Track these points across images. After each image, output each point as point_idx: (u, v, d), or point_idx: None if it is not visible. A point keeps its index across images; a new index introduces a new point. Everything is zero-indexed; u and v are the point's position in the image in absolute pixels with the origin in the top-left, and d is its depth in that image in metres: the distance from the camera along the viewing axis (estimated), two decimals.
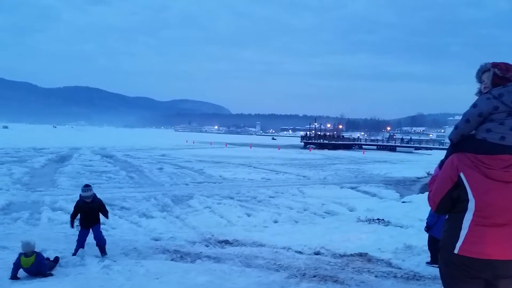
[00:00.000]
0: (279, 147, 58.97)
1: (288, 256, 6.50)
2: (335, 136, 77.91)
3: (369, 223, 9.29)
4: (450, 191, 2.34)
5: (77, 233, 6.26)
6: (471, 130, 2.38)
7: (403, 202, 12.84)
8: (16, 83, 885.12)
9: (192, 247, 7.01)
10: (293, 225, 9.24)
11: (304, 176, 20.23)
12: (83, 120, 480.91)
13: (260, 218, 9.83)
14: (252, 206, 11.34)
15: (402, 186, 18.73)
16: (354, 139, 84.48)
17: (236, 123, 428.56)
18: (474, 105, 2.41)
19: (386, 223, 9.22)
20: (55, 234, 7.72)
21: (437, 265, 2.67)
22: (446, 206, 2.39)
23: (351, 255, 6.63)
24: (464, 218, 2.29)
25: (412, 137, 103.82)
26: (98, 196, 6.56)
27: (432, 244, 5.90)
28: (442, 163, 2.52)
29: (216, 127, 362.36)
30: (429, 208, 2.59)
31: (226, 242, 7.43)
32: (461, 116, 2.50)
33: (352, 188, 16.19)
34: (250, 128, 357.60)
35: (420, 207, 10.24)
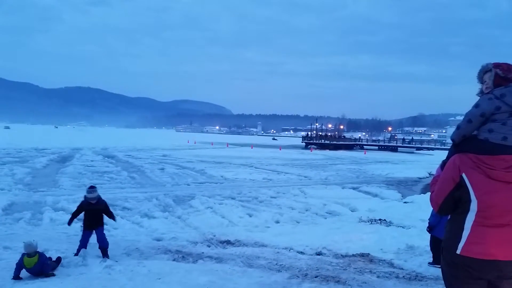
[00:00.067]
0: (280, 147, 58.96)
1: (290, 257, 6.49)
2: (337, 137, 77.86)
3: (371, 223, 9.28)
4: (452, 192, 2.33)
5: (80, 233, 6.27)
6: (473, 130, 2.38)
7: (405, 202, 12.83)
8: (17, 84, 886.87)
9: (194, 248, 7.01)
10: (294, 226, 9.24)
11: (305, 177, 20.23)
12: (85, 121, 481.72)
13: (262, 218, 9.83)
14: (253, 207, 11.35)
15: (404, 186, 18.72)
16: (355, 140, 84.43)
17: (238, 123, 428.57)
18: (476, 105, 2.41)
19: (388, 224, 9.21)
20: (57, 234, 7.74)
21: (439, 266, 2.67)
22: (449, 207, 2.39)
23: (353, 255, 6.63)
24: (466, 218, 2.29)
25: (414, 138, 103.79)
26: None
27: (434, 244, 5.89)
28: (444, 163, 2.52)
29: (217, 127, 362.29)
30: (431, 208, 2.59)
31: (228, 242, 7.43)
32: (463, 117, 2.50)
33: (353, 188, 16.18)
34: (251, 129, 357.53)
35: (421, 207, 10.23)
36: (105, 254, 6.16)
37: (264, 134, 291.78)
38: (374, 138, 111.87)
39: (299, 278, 5.41)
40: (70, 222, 6.44)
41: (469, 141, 2.37)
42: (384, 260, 6.38)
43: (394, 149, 71.89)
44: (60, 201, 10.77)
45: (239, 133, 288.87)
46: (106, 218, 6.48)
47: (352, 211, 11.16)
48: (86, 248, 6.10)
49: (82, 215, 6.39)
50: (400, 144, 77.78)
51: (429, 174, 23.96)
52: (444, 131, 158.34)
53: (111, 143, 49.73)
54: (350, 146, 71.42)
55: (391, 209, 11.23)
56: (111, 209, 6.75)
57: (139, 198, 11.95)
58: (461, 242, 2.29)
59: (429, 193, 2.60)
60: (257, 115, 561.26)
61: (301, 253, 6.78)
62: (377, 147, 77.01)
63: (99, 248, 6.18)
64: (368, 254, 6.65)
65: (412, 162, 36.56)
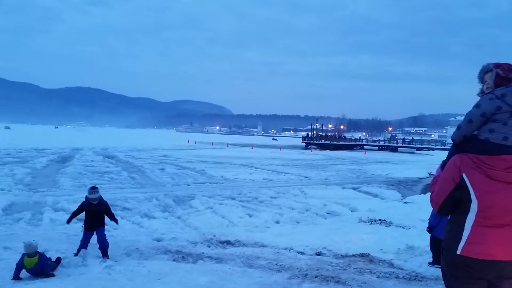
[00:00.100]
0: (280, 147, 58.96)
1: (290, 257, 6.49)
2: (337, 137, 77.89)
3: (371, 223, 9.28)
4: (452, 192, 2.33)
5: (80, 233, 6.26)
6: (474, 130, 2.38)
7: (405, 202, 12.83)
8: (18, 84, 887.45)
9: (194, 248, 7.01)
10: (294, 226, 9.24)
11: (305, 177, 20.23)
12: (85, 121, 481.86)
13: (262, 218, 9.82)
14: (253, 207, 11.34)
15: (404, 186, 18.72)
16: (355, 140, 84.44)
17: (238, 123, 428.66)
18: (477, 105, 2.40)
19: (388, 224, 9.21)
20: (57, 234, 7.74)
21: (439, 266, 2.67)
22: (449, 207, 2.39)
23: (353, 255, 6.62)
24: (467, 219, 2.29)
25: (414, 138, 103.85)
26: None
27: (434, 244, 5.89)
28: (444, 163, 2.52)
29: (217, 127, 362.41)
30: (431, 208, 2.58)
31: (228, 242, 7.43)
32: (463, 117, 2.49)
33: (354, 188, 16.18)
34: (251, 129, 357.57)
35: (422, 207, 10.22)
36: (105, 254, 6.15)
37: (265, 134, 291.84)
38: (374, 138, 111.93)
39: (299, 278, 5.41)
40: (69, 221, 6.45)
41: (469, 141, 2.37)
42: (384, 260, 6.38)
43: (394, 149, 71.90)
44: (60, 202, 10.77)
45: (239, 133, 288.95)
46: (107, 219, 6.47)
47: (352, 211, 11.16)
48: (86, 248, 6.10)
49: (82, 215, 6.39)
50: (401, 144, 77.80)
51: (429, 174, 23.95)
52: (444, 131, 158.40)
53: (111, 143, 49.76)
54: (350, 146, 71.45)
55: (391, 209, 11.23)
56: (111, 209, 6.74)
57: (139, 198, 11.95)
58: (461, 242, 2.29)
59: (429, 193, 2.59)
60: (257, 115, 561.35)
61: (301, 253, 6.78)
62: (377, 147, 77.01)
63: (99, 248, 6.17)
64: (368, 254, 6.65)
65: (413, 162, 36.56)
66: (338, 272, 5.72)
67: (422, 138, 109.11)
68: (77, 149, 35.00)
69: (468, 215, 2.28)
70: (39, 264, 5.13)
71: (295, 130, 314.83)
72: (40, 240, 5.74)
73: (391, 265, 6.19)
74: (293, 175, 21.00)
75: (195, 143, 65.28)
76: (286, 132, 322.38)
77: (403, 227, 8.83)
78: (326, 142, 69.05)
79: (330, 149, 61.41)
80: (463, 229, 2.30)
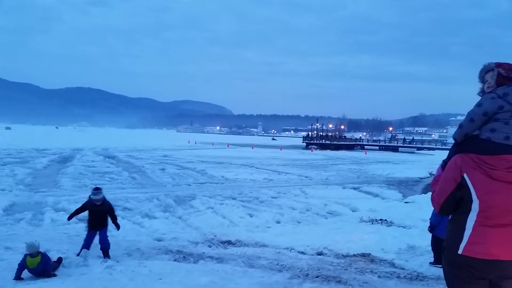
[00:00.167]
0: (281, 147, 58.95)
1: (291, 257, 6.49)
2: (337, 137, 77.87)
3: (372, 223, 9.28)
4: (453, 192, 2.33)
5: (81, 233, 6.26)
6: (475, 129, 2.38)
7: (405, 202, 12.82)
8: (18, 84, 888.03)
9: (194, 248, 7.01)
10: (295, 226, 9.24)
11: (306, 177, 20.23)
12: (85, 121, 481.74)
13: (263, 218, 9.83)
14: (254, 207, 11.35)
15: (405, 186, 18.71)
16: (356, 140, 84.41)
17: (238, 123, 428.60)
18: (479, 104, 2.40)
19: (389, 224, 9.21)
20: (58, 234, 7.74)
21: (440, 266, 2.67)
22: (450, 207, 2.39)
23: (354, 255, 6.62)
24: (468, 218, 2.29)
25: (414, 138, 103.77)
26: None
27: (436, 244, 5.89)
28: (444, 163, 2.52)
29: (218, 127, 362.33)
30: (432, 208, 2.59)
31: (229, 242, 7.43)
32: (463, 116, 2.49)
33: (354, 188, 16.18)
34: (252, 129, 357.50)
35: (422, 207, 10.22)
36: (106, 254, 6.16)
37: (265, 134, 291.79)
38: (375, 138, 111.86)
39: (300, 278, 5.41)
40: (70, 218, 6.46)
41: (471, 141, 2.37)
42: (385, 260, 6.38)
43: (395, 149, 71.85)
44: (61, 202, 10.79)
45: (239, 134, 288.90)
46: (109, 220, 6.47)
47: (353, 211, 11.16)
48: (89, 249, 6.09)
49: (84, 215, 6.38)
50: (401, 144, 77.76)
51: (430, 174, 23.94)
52: (445, 131, 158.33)
53: (111, 143, 49.76)
54: (351, 146, 71.41)
55: (392, 209, 11.22)
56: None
57: (140, 198, 11.96)
58: (462, 242, 2.29)
59: (430, 193, 2.60)
60: (257, 115, 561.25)
61: (302, 253, 6.78)
62: (378, 147, 76.97)
63: (100, 249, 6.18)
64: (369, 254, 6.65)
65: (413, 162, 36.54)
66: (339, 272, 5.72)
67: (422, 138, 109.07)
68: (78, 150, 35.02)
69: (470, 215, 2.29)
70: (42, 264, 5.14)
71: (296, 130, 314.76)
72: (41, 240, 5.73)
73: (392, 265, 6.19)
74: (293, 175, 21.00)
75: (195, 143, 65.27)
76: (287, 132, 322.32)
77: (404, 227, 8.83)
78: (327, 142, 69.04)
79: (331, 149, 61.39)
80: (464, 229, 2.30)
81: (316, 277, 5.44)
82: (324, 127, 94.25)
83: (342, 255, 6.66)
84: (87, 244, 6.12)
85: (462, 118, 2.53)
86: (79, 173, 18.13)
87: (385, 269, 5.92)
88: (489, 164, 2.25)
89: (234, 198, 12.57)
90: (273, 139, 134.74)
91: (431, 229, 6.06)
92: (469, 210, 2.28)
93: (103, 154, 30.72)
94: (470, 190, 2.27)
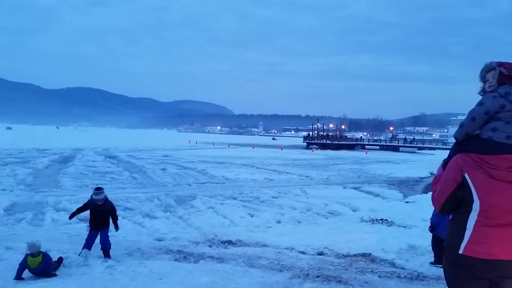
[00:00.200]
0: (281, 147, 58.93)
1: (291, 257, 6.49)
2: (338, 136, 77.86)
3: (373, 223, 9.27)
4: (454, 192, 2.33)
5: (82, 233, 6.27)
6: (477, 128, 2.38)
7: (406, 202, 12.81)
8: (19, 85, 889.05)
9: (195, 248, 7.01)
10: (296, 226, 9.23)
11: (307, 177, 20.22)
12: (86, 121, 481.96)
13: (263, 218, 9.82)
14: (255, 207, 11.35)
15: (406, 186, 18.70)
16: (357, 139, 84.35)
17: (239, 123, 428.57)
18: (481, 103, 2.40)
19: (390, 223, 9.20)
20: (59, 234, 7.74)
21: (441, 265, 2.67)
22: (451, 206, 2.39)
23: (355, 255, 6.62)
24: (469, 218, 2.29)
25: (415, 137, 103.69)
26: None
27: (436, 244, 5.88)
28: (445, 162, 2.52)
29: (218, 127, 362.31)
30: (433, 208, 2.58)
31: (229, 242, 7.43)
32: (464, 116, 2.49)
33: (355, 188, 16.17)
34: (252, 129, 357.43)
35: (423, 207, 10.21)
36: (107, 254, 6.16)
37: (266, 134, 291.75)
38: (375, 138, 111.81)
39: (300, 278, 5.41)
40: (71, 217, 6.46)
41: (471, 140, 2.37)
42: (386, 260, 6.37)
43: (395, 149, 71.81)
44: (62, 202, 10.79)
45: (240, 133, 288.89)
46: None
47: (353, 211, 11.15)
48: (90, 249, 6.09)
49: (85, 215, 6.37)
50: (402, 144, 77.72)
51: (431, 174, 23.93)
52: (445, 130, 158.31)
53: (112, 143, 49.79)
54: (351, 146, 71.38)
55: (392, 209, 11.21)
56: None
57: (141, 198, 11.97)
58: (463, 242, 2.29)
59: (430, 193, 2.60)
60: (258, 115, 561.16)
61: (303, 253, 6.78)
62: (378, 147, 76.97)
63: (101, 249, 6.18)
64: (370, 254, 6.64)
65: (414, 162, 36.51)
66: (339, 271, 5.72)
67: (423, 138, 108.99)
68: (79, 150, 35.04)
69: (470, 215, 2.28)
70: (43, 264, 5.14)
71: (296, 130, 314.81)
72: (42, 240, 5.74)
73: (393, 264, 6.19)
74: (294, 175, 20.99)
75: (196, 143, 65.29)
76: (287, 132, 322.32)
77: (404, 227, 8.83)
78: (327, 141, 69.04)
79: (331, 149, 61.36)
80: (465, 229, 2.30)
81: (317, 277, 5.43)
82: (324, 127, 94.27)
83: (343, 255, 6.65)
84: (88, 244, 6.12)
85: (463, 117, 2.53)
86: (80, 173, 18.14)
87: (386, 269, 5.91)
88: (490, 164, 2.24)
89: (234, 198, 12.57)
90: (273, 139, 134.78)
91: (432, 229, 6.06)
92: (470, 210, 2.28)
93: (104, 154, 30.74)
94: (471, 190, 2.26)
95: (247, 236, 7.82)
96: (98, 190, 6.25)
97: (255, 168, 24.06)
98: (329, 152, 51.14)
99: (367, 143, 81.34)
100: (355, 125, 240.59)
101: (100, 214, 6.21)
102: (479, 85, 2.59)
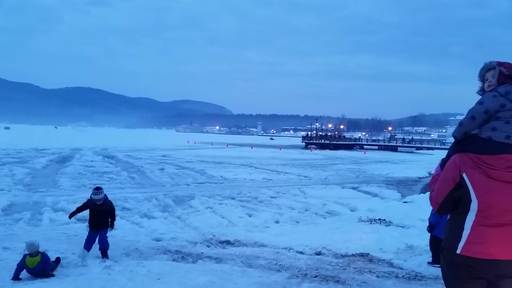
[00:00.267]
0: (280, 147, 58.95)
1: (290, 257, 6.49)
2: (336, 136, 77.88)
3: (371, 223, 9.28)
4: (452, 192, 2.33)
5: (80, 234, 6.25)
6: (476, 127, 2.38)
7: (404, 202, 12.82)
8: (17, 84, 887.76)
9: (193, 248, 7.00)
10: (294, 226, 9.23)
11: (305, 177, 20.22)
12: (85, 121, 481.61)
13: (262, 218, 9.82)
14: (253, 207, 11.34)
15: (404, 186, 18.71)
16: (355, 139, 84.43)
17: (238, 123, 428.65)
18: (480, 102, 2.40)
19: (388, 223, 9.21)
20: (57, 234, 7.72)
21: (439, 265, 2.67)
22: (449, 206, 2.39)
23: (353, 255, 6.62)
24: (467, 218, 2.29)
25: (414, 137, 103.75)
26: None
27: (434, 244, 5.89)
28: (443, 162, 2.51)
29: (217, 127, 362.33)
30: (431, 208, 2.58)
31: (228, 242, 7.42)
32: (463, 115, 2.49)
33: (353, 188, 16.17)
34: (251, 129, 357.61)
35: (421, 207, 10.23)
36: (104, 254, 6.15)
37: (264, 134, 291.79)
38: (374, 138, 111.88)
39: (298, 278, 5.41)
40: (71, 216, 6.44)
41: (470, 140, 2.37)
42: (384, 260, 6.38)
43: (394, 149, 71.90)
44: (60, 202, 10.76)
45: (239, 133, 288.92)
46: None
47: (351, 211, 11.15)
48: (89, 250, 6.07)
49: (84, 215, 6.35)
50: (400, 144, 77.81)
51: (429, 173, 23.94)
52: (444, 130, 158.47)
53: (111, 143, 49.73)
54: (350, 146, 71.43)
55: (390, 208, 11.22)
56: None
57: (139, 198, 11.95)
58: (461, 242, 2.29)
59: (428, 193, 2.59)
60: (257, 115, 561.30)
61: (301, 253, 6.77)
62: (377, 147, 77.03)
63: (99, 249, 6.17)
64: (368, 254, 6.65)
65: (412, 162, 36.56)
66: (337, 271, 5.72)
67: (421, 138, 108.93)
68: (77, 149, 34.98)
69: (468, 215, 2.28)
70: (41, 264, 5.13)
71: (295, 130, 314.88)
72: (39, 240, 5.73)
73: (391, 264, 6.19)
74: (292, 174, 20.99)
75: (194, 143, 65.25)
76: (286, 132, 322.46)
77: (402, 227, 8.84)
78: (326, 141, 69.08)
79: (330, 149, 61.41)
80: (463, 229, 2.30)
81: (315, 277, 5.43)
82: (323, 127, 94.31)
83: (341, 255, 6.66)
84: (87, 245, 6.10)
85: (461, 117, 2.53)
86: (78, 173, 18.11)
87: (384, 269, 5.92)
88: (488, 164, 2.24)
89: (233, 198, 12.56)
90: (271, 139, 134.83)
91: (430, 228, 6.07)
92: (468, 209, 2.28)
93: (102, 154, 30.69)
94: (469, 190, 2.26)
95: (245, 236, 7.81)
96: (97, 189, 6.24)
97: (253, 168, 24.05)
98: (328, 152, 51.18)
99: (365, 143, 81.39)
100: (353, 125, 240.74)
101: (100, 214, 6.19)
102: (478, 84, 2.59)
